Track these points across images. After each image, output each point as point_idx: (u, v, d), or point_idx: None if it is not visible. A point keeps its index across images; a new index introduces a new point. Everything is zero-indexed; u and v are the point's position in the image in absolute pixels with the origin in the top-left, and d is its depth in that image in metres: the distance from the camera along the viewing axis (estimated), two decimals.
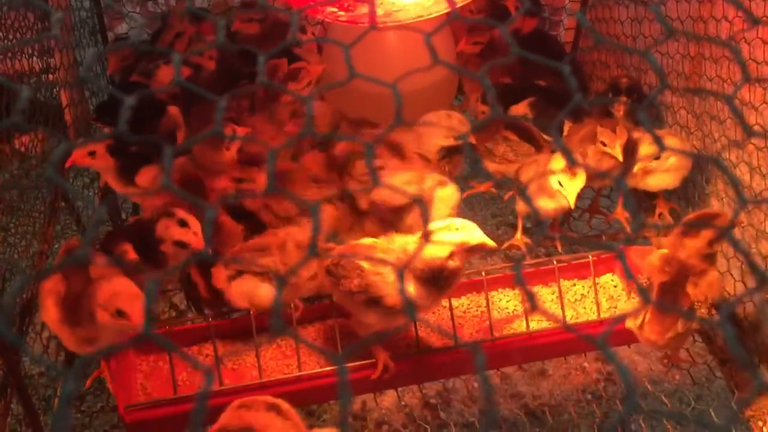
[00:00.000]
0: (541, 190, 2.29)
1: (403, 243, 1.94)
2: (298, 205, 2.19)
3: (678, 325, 1.92)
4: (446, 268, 1.84)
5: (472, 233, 1.84)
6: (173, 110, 2.40)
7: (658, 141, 0.72)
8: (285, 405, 1.61)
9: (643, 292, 1.77)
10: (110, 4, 2.66)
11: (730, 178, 0.71)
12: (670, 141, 2.40)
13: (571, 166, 2.14)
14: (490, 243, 1.84)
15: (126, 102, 0.79)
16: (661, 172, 2.41)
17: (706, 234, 1.91)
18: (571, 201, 2.18)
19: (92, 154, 2.24)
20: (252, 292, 2.08)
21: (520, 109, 2.72)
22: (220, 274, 2.10)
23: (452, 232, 1.84)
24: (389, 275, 1.87)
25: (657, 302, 1.94)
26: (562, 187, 2.18)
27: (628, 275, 2.21)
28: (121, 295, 1.79)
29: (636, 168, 2.36)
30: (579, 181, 2.18)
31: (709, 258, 1.94)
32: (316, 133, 2.37)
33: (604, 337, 0.68)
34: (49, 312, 1.89)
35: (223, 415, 1.60)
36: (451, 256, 1.83)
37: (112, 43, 3.04)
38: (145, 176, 2.28)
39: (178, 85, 0.82)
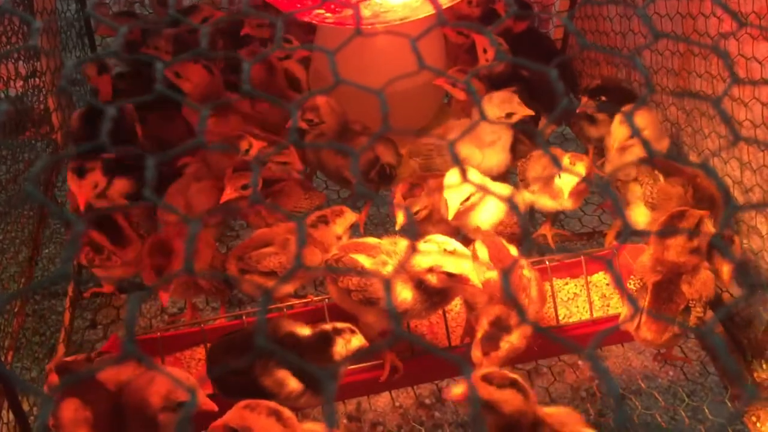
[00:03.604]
0: (545, 188, 2.32)
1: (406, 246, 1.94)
2: (287, 216, 2.20)
3: (675, 326, 1.92)
4: (426, 281, 1.82)
5: (454, 261, 1.80)
6: (129, 107, 2.45)
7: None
8: (287, 413, 1.61)
9: (632, 301, 1.76)
10: (92, 13, 2.62)
11: (719, 184, 0.70)
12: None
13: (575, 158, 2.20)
14: (473, 279, 1.80)
15: (108, 112, 0.77)
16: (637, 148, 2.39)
17: (682, 230, 1.92)
18: (566, 191, 2.23)
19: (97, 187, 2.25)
20: (262, 287, 2.11)
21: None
22: (231, 267, 2.14)
23: (436, 247, 1.82)
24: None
25: (651, 302, 1.94)
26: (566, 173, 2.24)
27: (618, 283, 2.22)
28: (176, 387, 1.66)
29: (616, 146, 2.36)
30: (575, 178, 2.21)
31: (696, 252, 1.93)
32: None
33: (593, 346, 0.68)
34: None
35: (228, 412, 1.61)
36: (430, 270, 1.80)
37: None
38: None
39: (161, 92, 0.81)
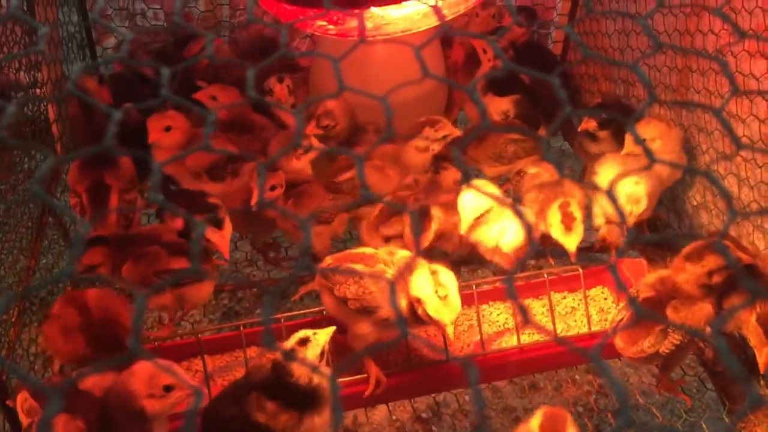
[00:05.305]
0: (540, 216, 2.25)
1: (403, 257, 1.93)
2: (293, 218, 2.20)
3: (644, 343, 1.90)
4: (413, 305, 1.82)
5: (440, 307, 1.79)
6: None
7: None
8: None
9: (633, 302, 1.76)
10: (96, 19, 2.64)
11: (722, 191, 0.71)
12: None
13: (567, 219, 2.13)
14: (444, 323, 1.80)
15: (113, 116, 0.78)
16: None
17: (708, 263, 1.86)
18: (572, 250, 2.17)
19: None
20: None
21: (504, 104, 2.74)
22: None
23: (431, 283, 1.81)
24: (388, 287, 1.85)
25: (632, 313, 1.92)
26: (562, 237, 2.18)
27: (620, 286, 2.21)
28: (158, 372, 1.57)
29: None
30: (576, 236, 2.16)
31: (706, 289, 1.87)
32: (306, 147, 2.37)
33: (597, 351, 0.68)
34: None
35: None
36: (417, 300, 1.81)
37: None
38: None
39: (166, 98, 0.82)
